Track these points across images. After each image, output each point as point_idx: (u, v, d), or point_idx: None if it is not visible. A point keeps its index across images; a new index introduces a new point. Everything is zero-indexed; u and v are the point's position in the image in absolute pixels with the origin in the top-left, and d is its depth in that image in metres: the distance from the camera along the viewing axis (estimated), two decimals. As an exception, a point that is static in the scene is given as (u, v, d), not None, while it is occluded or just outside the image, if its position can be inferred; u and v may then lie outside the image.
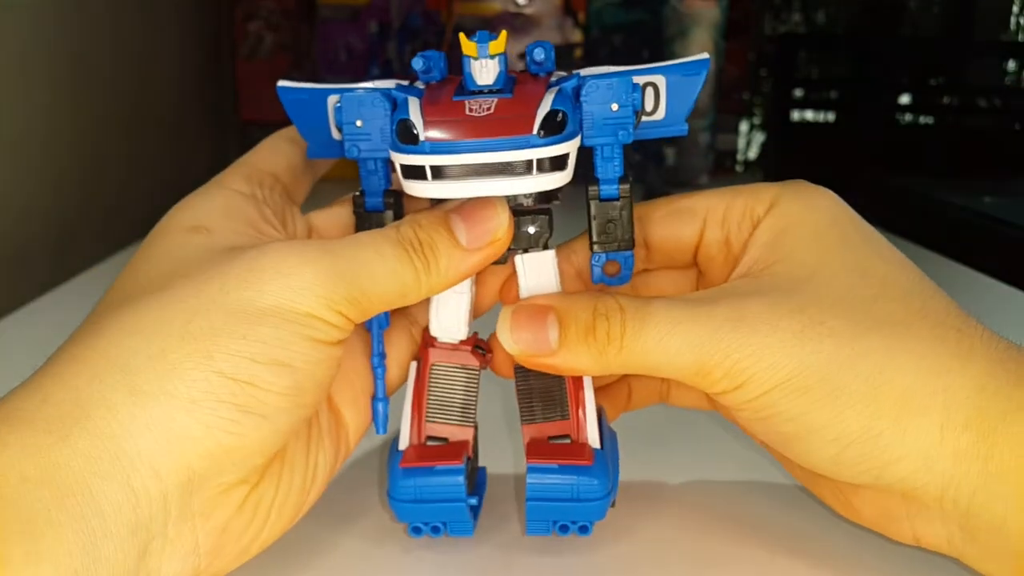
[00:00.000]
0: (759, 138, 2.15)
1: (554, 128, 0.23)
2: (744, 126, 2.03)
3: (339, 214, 0.30)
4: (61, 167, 0.72)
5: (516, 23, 1.05)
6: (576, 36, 1.05)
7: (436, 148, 0.23)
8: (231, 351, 0.21)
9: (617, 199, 0.26)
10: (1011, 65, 2.16)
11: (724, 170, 1.13)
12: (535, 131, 0.23)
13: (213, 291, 0.22)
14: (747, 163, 2.15)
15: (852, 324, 0.24)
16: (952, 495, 0.23)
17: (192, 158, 1.05)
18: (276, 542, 0.25)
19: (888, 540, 0.27)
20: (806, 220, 0.27)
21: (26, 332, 0.48)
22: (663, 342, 0.24)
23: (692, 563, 0.28)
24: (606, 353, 0.24)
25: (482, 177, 0.24)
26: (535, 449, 0.27)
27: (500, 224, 0.25)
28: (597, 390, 0.29)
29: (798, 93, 1.89)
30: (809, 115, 2.01)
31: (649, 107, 0.26)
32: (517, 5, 1.05)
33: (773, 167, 1.91)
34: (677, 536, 0.29)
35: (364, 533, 0.29)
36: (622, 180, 0.26)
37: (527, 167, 0.24)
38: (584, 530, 0.27)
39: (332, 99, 0.27)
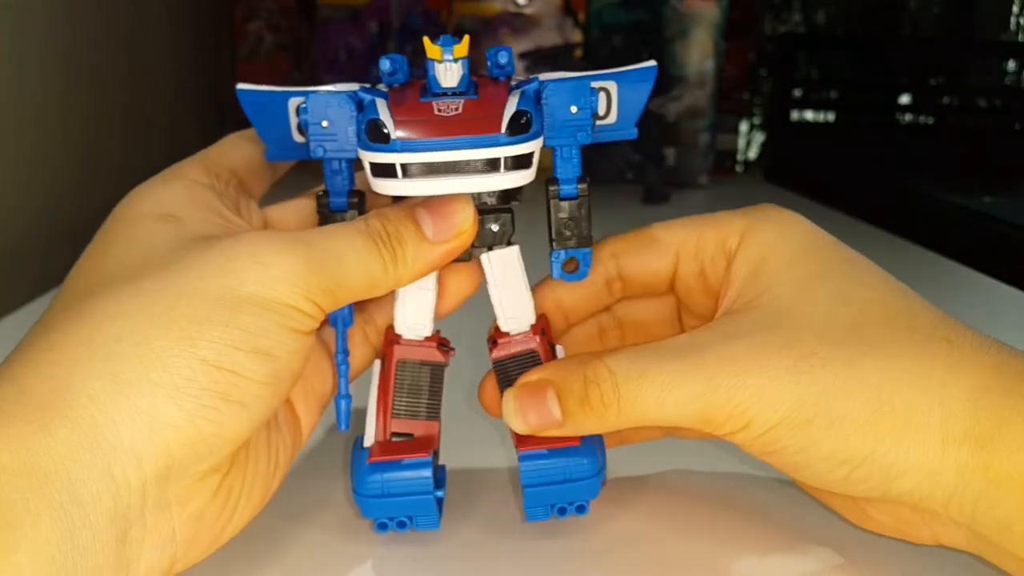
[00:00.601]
0: (759, 138, 2.15)
1: (520, 128, 0.24)
2: (744, 126, 2.03)
3: (296, 209, 0.30)
4: (54, 168, 0.72)
5: (516, 23, 1.05)
6: (576, 36, 1.05)
7: (407, 146, 0.24)
8: (214, 338, 0.21)
9: (576, 197, 0.27)
10: (1011, 65, 2.16)
11: (724, 170, 1.12)
12: (503, 130, 0.24)
13: (192, 279, 0.22)
14: (747, 163, 2.14)
15: (843, 351, 0.24)
16: (958, 502, 0.24)
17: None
18: (245, 535, 0.25)
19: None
20: (783, 250, 0.27)
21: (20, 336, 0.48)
22: (661, 399, 0.25)
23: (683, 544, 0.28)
24: (606, 417, 0.25)
25: (451, 175, 0.25)
26: (523, 437, 0.27)
27: (466, 218, 0.25)
28: None
29: (798, 93, 1.89)
30: (809, 115, 2.01)
31: (602, 111, 0.27)
32: (517, 5, 1.05)
33: (773, 167, 1.91)
34: (664, 520, 0.30)
35: (330, 526, 0.29)
36: (580, 179, 0.27)
37: (494, 165, 0.25)
38: (581, 510, 0.27)
39: (294, 101, 0.27)
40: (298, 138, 0.27)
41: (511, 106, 0.25)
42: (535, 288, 0.29)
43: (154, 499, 0.21)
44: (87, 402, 0.20)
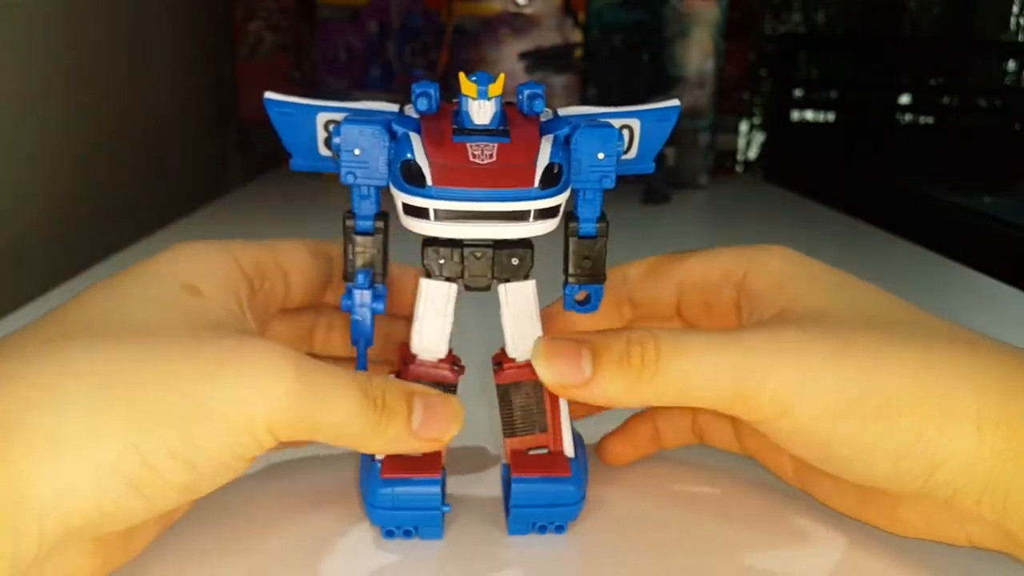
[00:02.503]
0: (759, 138, 2.15)
1: (551, 180, 0.25)
2: (744, 126, 2.04)
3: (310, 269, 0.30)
4: (55, 168, 0.72)
5: (516, 23, 1.05)
6: (576, 36, 1.05)
7: (442, 194, 0.24)
8: (160, 439, 0.22)
9: (595, 236, 0.28)
10: (1011, 65, 2.16)
11: (724, 170, 1.12)
12: (535, 184, 0.25)
13: (182, 370, 0.22)
14: (747, 163, 2.15)
15: (882, 339, 0.25)
16: (989, 498, 0.24)
17: (191, 158, 1.05)
18: (262, 518, 0.27)
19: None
20: (797, 272, 0.28)
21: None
22: (700, 366, 0.24)
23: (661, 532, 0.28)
24: (640, 378, 0.25)
25: (482, 221, 0.25)
26: (518, 462, 0.28)
27: (450, 430, 0.26)
28: (618, 432, 0.32)
29: (798, 93, 1.90)
30: (809, 115, 2.01)
31: (624, 147, 0.28)
32: (517, 5, 1.05)
33: (773, 167, 1.91)
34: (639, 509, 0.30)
35: (342, 516, 0.30)
36: (600, 219, 0.28)
37: (523, 215, 0.25)
38: (560, 529, 0.29)
39: (322, 117, 0.27)
40: (324, 151, 0.28)
41: (543, 157, 0.25)
42: (553, 305, 0.30)
43: (44, 559, 0.21)
44: (24, 450, 0.20)
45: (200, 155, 1.08)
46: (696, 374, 0.24)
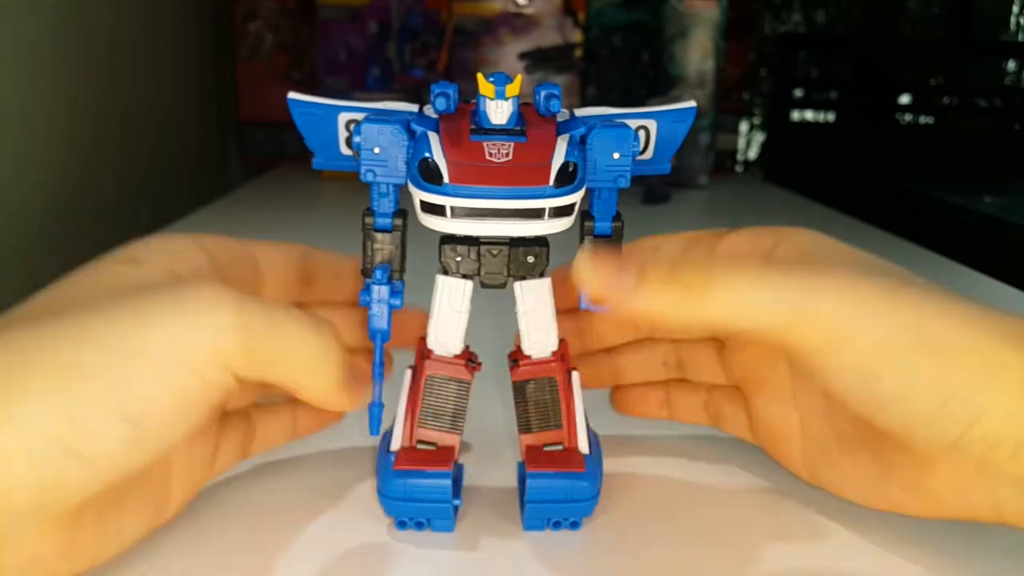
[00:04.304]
0: (759, 138, 2.16)
1: (567, 179, 0.25)
2: (744, 126, 2.04)
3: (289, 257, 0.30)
4: (57, 169, 0.72)
5: (516, 23, 1.05)
6: (576, 36, 1.05)
7: (459, 192, 0.25)
8: (91, 399, 0.21)
9: (610, 235, 0.29)
10: (1011, 65, 2.16)
11: (724, 170, 1.12)
12: (550, 182, 0.26)
13: (110, 327, 0.22)
14: (747, 163, 2.15)
15: (935, 288, 0.25)
16: None
17: (191, 158, 1.05)
18: (277, 505, 0.27)
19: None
20: (827, 248, 0.29)
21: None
22: (755, 291, 0.25)
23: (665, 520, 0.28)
24: (685, 300, 0.25)
25: (498, 218, 0.26)
26: (533, 457, 0.29)
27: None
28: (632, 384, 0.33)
29: (798, 93, 1.90)
30: (809, 115, 2.01)
31: (640, 148, 0.29)
32: (517, 5, 1.05)
33: (773, 167, 1.91)
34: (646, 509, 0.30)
35: (358, 509, 0.30)
36: (615, 218, 0.28)
37: (538, 213, 0.26)
38: (575, 525, 0.29)
39: (343, 116, 0.28)
40: (345, 151, 0.28)
41: (559, 155, 0.26)
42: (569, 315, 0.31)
43: (1, 537, 0.21)
44: None
45: (200, 155, 1.08)
46: (751, 296, 0.25)
